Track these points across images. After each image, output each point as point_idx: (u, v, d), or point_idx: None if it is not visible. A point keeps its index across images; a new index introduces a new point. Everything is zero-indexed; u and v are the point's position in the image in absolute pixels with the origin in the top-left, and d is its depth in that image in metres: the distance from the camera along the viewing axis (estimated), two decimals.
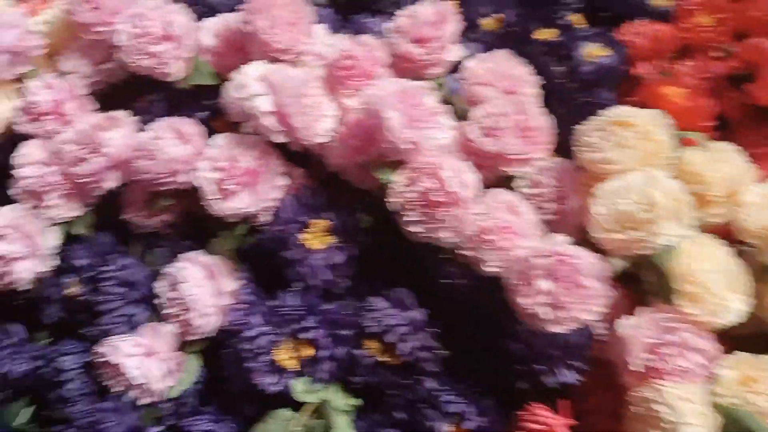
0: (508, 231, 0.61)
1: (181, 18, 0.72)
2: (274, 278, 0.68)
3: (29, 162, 0.69)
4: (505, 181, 0.67)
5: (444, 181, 0.59)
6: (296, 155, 0.70)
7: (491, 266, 0.61)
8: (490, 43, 0.93)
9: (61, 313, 0.70)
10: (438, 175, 0.59)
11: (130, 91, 0.80)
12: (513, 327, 0.60)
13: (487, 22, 0.95)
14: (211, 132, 0.71)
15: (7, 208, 0.67)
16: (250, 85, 0.66)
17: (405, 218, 0.61)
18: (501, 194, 0.64)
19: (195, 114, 0.75)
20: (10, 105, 0.74)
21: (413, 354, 0.60)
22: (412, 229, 0.61)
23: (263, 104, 0.64)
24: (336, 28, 0.83)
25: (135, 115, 0.74)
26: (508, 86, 0.71)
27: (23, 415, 0.67)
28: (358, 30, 0.94)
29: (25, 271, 0.66)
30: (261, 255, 0.68)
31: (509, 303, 0.59)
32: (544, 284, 0.56)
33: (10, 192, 0.70)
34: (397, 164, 0.63)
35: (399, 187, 0.61)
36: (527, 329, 0.59)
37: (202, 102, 0.76)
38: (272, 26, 0.70)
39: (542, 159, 0.67)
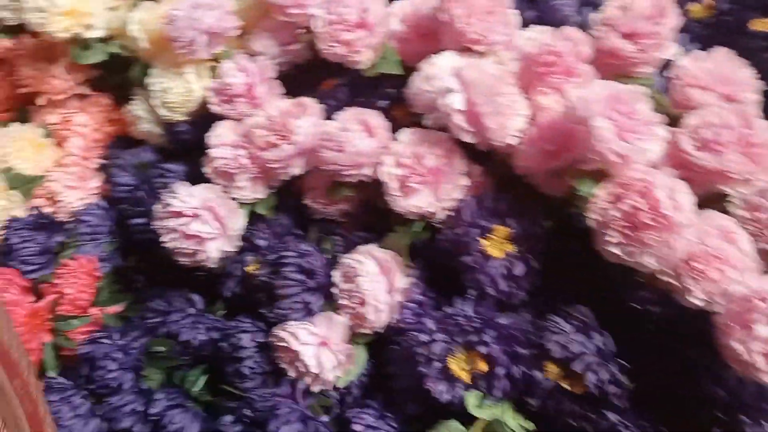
0: (721, 260, 0.54)
1: (376, 5, 0.70)
2: (446, 279, 0.66)
3: (222, 143, 0.71)
4: (714, 200, 0.60)
5: (657, 202, 0.53)
6: (477, 152, 0.67)
7: (696, 298, 0.54)
8: (697, 33, 0.83)
9: (238, 289, 0.72)
10: (650, 194, 0.53)
11: (312, 72, 0.80)
12: (717, 369, 0.54)
13: (696, 9, 0.85)
14: (391, 120, 0.70)
15: (200, 187, 0.70)
16: (442, 80, 0.63)
17: (604, 237, 0.56)
18: (715, 218, 0.57)
19: (377, 101, 0.74)
20: (205, 84, 0.77)
21: (600, 386, 0.55)
22: (610, 249, 0.55)
23: (455, 102, 0.61)
24: (522, 9, 0.77)
25: (318, 99, 0.74)
26: (729, 92, 0.63)
27: (198, 382, 0.71)
28: (547, 12, 0.88)
29: (215, 251, 0.68)
30: (435, 255, 0.67)
31: (716, 343, 0.53)
32: (767, 332, 0.49)
33: (203, 169, 0.73)
34: (598, 175, 0.57)
35: (601, 202, 0.56)
36: (735, 375, 0.53)
37: (384, 89, 0.74)
38: (469, 15, 0.66)
39: (764, 179, 0.59)
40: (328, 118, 0.71)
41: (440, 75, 0.65)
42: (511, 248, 0.62)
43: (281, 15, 0.75)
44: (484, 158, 0.67)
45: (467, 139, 0.62)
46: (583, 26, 0.83)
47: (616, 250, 0.55)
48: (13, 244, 0.72)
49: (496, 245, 0.62)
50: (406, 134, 0.65)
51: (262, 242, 0.71)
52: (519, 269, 0.61)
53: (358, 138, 0.65)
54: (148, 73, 0.79)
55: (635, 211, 0.53)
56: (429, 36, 0.72)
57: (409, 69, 0.72)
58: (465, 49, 0.68)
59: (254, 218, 0.73)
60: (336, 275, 0.66)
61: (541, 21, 0.83)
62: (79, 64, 0.83)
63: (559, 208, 0.63)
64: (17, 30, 0.86)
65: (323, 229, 0.72)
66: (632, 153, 0.55)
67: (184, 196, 0.67)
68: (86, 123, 0.85)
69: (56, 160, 0.85)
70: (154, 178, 0.76)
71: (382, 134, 0.66)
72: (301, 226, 0.74)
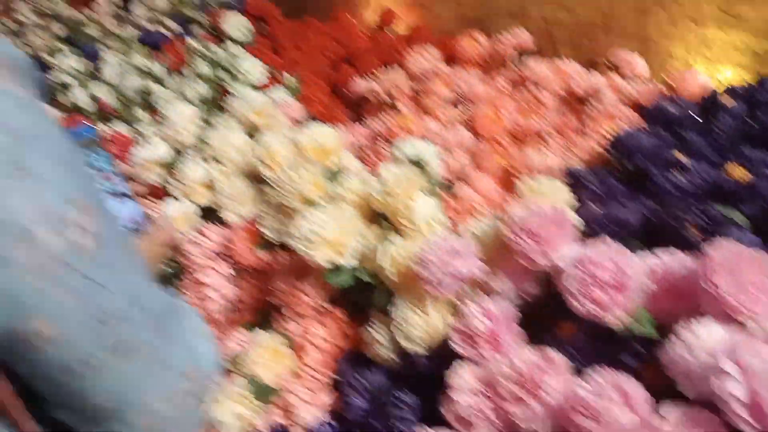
0: None
1: (634, 266, 0.69)
2: None
3: (464, 387, 0.72)
4: None
5: None
6: None
7: None
8: None
9: None
10: None
11: (546, 311, 0.80)
12: None
13: None
14: (639, 379, 0.66)
15: None
16: (713, 358, 0.60)
17: None
18: None
19: (624, 358, 0.71)
20: (446, 320, 0.80)
21: None
22: None
23: (735, 391, 0.57)
24: None
25: (556, 344, 0.73)
26: None
27: None
28: None
29: None
30: None
31: None
32: None
33: (443, 412, 0.73)
34: None
35: None
36: None
37: (632, 345, 0.72)
38: (735, 287, 0.64)
39: None
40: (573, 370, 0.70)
41: (705, 348, 0.62)
42: None
43: (523, 260, 0.78)
44: None
45: (748, 430, 0.57)
46: None
47: None
48: None
49: None
50: (671, 411, 0.61)
51: None
52: None
53: (617, 410, 0.62)
54: (391, 302, 0.84)
55: None
56: (682, 296, 0.70)
57: (659, 327, 0.70)
58: (726, 317, 0.65)
59: None
60: None
61: None
62: (327, 283, 0.91)
63: None
64: (275, 246, 0.98)
65: None
66: None
67: None
68: (324, 336, 0.91)
69: (293, 370, 0.90)
70: (389, 406, 0.78)
71: (642, 408, 0.63)
72: None
